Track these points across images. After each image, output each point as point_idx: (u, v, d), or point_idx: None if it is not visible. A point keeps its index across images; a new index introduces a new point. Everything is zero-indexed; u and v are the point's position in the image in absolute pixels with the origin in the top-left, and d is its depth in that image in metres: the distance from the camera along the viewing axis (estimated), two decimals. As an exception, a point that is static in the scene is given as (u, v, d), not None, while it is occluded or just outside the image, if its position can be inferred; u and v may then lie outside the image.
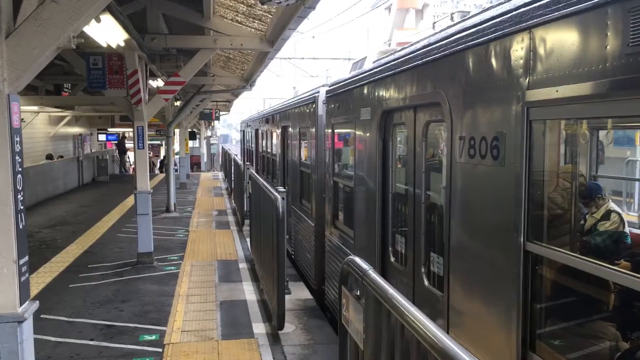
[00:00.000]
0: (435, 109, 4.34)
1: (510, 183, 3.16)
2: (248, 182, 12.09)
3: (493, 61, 3.41)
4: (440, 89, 4.13)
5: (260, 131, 17.94)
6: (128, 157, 36.50)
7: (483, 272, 3.55)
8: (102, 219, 15.45)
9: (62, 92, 19.53)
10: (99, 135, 33.74)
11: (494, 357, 3.29)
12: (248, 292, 8.56)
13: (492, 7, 3.63)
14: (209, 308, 7.77)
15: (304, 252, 9.92)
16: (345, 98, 7.12)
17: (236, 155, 21.93)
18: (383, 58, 6.00)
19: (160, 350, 6.32)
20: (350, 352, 3.46)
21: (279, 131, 13.11)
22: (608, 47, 2.46)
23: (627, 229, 3.47)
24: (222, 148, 38.31)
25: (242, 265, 10.22)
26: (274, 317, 6.91)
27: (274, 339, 6.66)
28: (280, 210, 6.51)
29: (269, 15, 9.55)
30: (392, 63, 5.28)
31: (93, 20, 5.99)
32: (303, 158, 10.32)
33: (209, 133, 48.45)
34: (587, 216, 3.52)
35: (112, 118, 28.89)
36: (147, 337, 6.73)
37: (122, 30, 7.86)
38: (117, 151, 35.65)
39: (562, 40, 2.78)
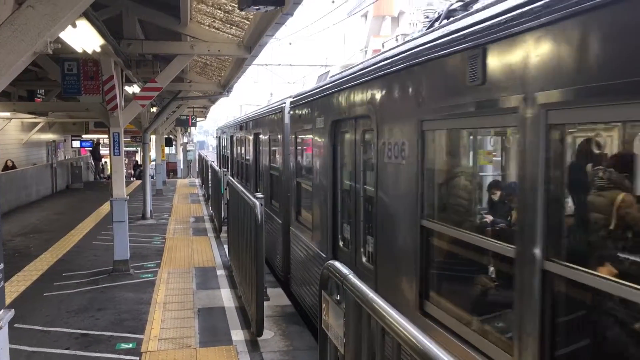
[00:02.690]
0: (367, 120, 5.37)
1: (412, 176, 4.29)
2: (226, 189, 12.09)
3: (398, 86, 4.58)
4: (370, 104, 5.20)
5: (234, 138, 18.90)
6: (102, 165, 36.01)
7: (397, 245, 4.64)
8: (76, 227, 15.22)
9: (36, 98, 19.24)
10: (73, 141, 33.26)
11: (405, 306, 4.28)
12: (226, 298, 8.52)
13: (407, 41, 4.81)
14: (186, 315, 7.71)
15: (274, 248, 10.68)
16: (305, 108, 8.10)
17: (213, 161, 21.82)
18: (338, 74, 6.93)
19: (137, 358, 6.25)
20: (330, 357, 3.48)
21: (251, 137, 14.12)
22: (458, 83, 3.55)
23: None
24: (199, 154, 38.07)
25: (220, 272, 10.17)
26: (253, 324, 6.88)
27: (253, 345, 6.63)
28: (259, 216, 6.50)
29: (247, 22, 9.56)
30: (339, 81, 6.35)
31: (69, 26, 5.93)
32: (272, 162, 11.32)
33: (185, 139, 48.12)
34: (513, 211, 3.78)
35: (86, 124, 28.53)
36: (124, 346, 6.65)
37: (98, 36, 7.78)
38: (91, 158, 35.18)
39: (437, 75, 3.93)
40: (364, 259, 5.69)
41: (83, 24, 6.99)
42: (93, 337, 6.96)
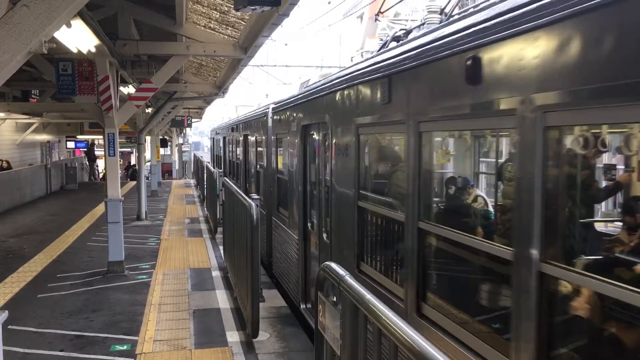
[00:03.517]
0: (325, 125, 6.61)
1: (352, 168, 5.54)
2: (221, 190, 12.10)
3: (344, 99, 5.91)
4: (326, 113, 6.52)
5: (227, 139, 20.42)
6: (97, 165, 35.89)
7: (343, 222, 5.97)
8: (71, 228, 15.16)
9: (30, 99, 19.15)
10: (68, 142, 33.13)
11: (348, 268, 4.85)
12: (221, 300, 8.49)
13: (355, 63, 6.14)
14: (181, 317, 7.68)
15: (260, 236, 11.40)
16: (283, 114, 9.43)
17: (208, 162, 21.80)
18: (307, 86, 8.38)
19: (132, 360, 6.24)
20: (326, 358, 3.46)
21: (241, 138, 15.51)
22: (377, 101, 4.84)
23: (490, 208, 4.26)
24: (194, 155, 38.00)
25: (215, 273, 10.14)
26: (248, 325, 6.87)
27: (248, 347, 6.62)
28: (255, 217, 6.48)
29: (243, 22, 9.55)
30: (306, 92, 7.71)
31: (64, 26, 5.90)
32: (258, 160, 12.64)
33: (180, 140, 48.02)
34: (464, 201, 4.55)
35: (81, 125, 28.45)
36: (119, 347, 6.62)
37: (93, 36, 7.75)
38: (86, 159, 35.04)
39: (365, 93, 5.25)
40: (324, 237, 6.93)
41: (78, 24, 6.96)
42: (87, 338, 6.93)
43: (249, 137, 14.07)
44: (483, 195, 4.53)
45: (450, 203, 4.44)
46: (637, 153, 2.65)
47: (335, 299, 3.29)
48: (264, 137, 11.36)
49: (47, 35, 3.68)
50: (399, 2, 7.88)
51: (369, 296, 2.79)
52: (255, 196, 7.40)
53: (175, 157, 44.76)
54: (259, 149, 12.37)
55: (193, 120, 33.43)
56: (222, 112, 53.16)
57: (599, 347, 2.70)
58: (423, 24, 5.57)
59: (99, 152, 33.77)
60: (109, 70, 9.69)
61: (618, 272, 2.46)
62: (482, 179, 4.61)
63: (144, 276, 9.94)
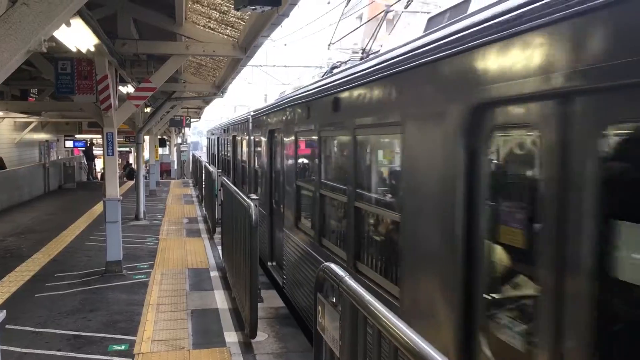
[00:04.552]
0: (281, 130, 9.29)
1: (293, 159, 8.11)
2: (219, 190, 12.11)
3: (288, 114, 8.59)
4: (280, 122, 9.33)
5: (220, 139, 23.31)
6: (95, 164, 35.82)
7: (289, 196, 8.56)
8: (69, 227, 15.13)
9: (29, 98, 19.11)
10: (66, 141, 33.07)
11: (292, 227, 8.35)
12: (220, 300, 8.48)
13: (303, 87, 8.64)
14: (179, 317, 7.66)
15: None
16: (258, 120, 12.09)
17: (207, 162, 21.84)
18: (278, 98, 11.20)
19: (130, 360, 6.22)
20: (325, 360, 3.46)
21: (230, 139, 18.23)
22: (304, 117, 7.50)
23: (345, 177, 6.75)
24: (193, 155, 37.98)
25: (214, 274, 10.12)
26: (247, 326, 6.85)
27: (247, 347, 6.60)
28: (253, 217, 6.46)
29: (242, 22, 9.54)
30: (270, 106, 10.69)
31: (63, 25, 5.88)
32: (243, 156, 15.46)
33: (179, 140, 47.96)
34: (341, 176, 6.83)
35: (79, 124, 28.39)
36: (116, 347, 6.61)
37: (92, 35, 7.73)
38: (84, 158, 34.98)
39: (299, 110, 7.85)
40: (281, 209, 9.48)
41: (77, 23, 6.94)
42: (85, 338, 6.91)
43: (236, 137, 16.88)
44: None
45: (334, 177, 6.71)
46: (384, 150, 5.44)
47: (334, 300, 3.29)
48: (246, 138, 14.09)
49: (47, 34, 3.66)
50: (348, 34, 9.84)
51: (368, 297, 2.78)
52: (254, 196, 7.39)
53: (174, 156, 44.71)
54: (243, 147, 15.24)
55: (192, 120, 33.44)
56: (221, 112, 53.27)
57: (383, 238, 5.11)
58: (349, 60, 7.98)
59: (97, 151, 33.70)
60: (108, 70, 9.67)
61: (383, 204, 5.10)
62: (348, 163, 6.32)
63: (142, 276, 9.92)
